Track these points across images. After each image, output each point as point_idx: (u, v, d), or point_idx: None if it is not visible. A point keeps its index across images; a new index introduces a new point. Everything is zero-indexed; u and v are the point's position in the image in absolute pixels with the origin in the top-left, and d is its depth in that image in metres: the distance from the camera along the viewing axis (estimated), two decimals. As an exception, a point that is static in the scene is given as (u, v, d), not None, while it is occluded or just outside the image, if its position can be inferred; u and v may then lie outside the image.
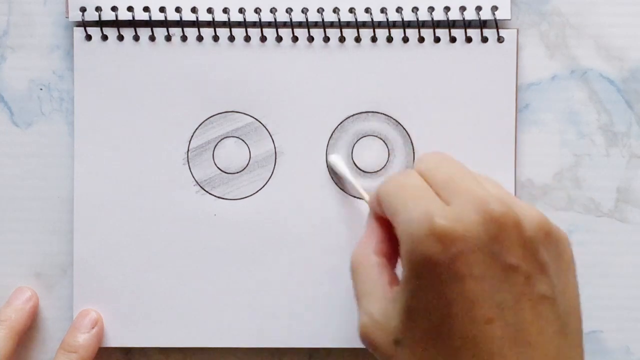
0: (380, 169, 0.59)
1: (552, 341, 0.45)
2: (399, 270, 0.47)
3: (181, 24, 0.58)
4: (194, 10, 0.58)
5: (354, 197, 0.59)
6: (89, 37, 0.58)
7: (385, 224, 0.50)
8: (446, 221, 0.44)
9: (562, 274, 0.46)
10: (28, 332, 0.59)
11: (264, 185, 0.59)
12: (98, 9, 0.58)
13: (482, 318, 0.44)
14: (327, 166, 0.58)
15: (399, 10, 0.58)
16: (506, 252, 0.45)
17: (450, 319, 0.45)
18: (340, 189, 0.59)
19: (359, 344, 0.58)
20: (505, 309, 0.44)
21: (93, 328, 0.58)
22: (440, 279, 0.44)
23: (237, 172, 0.59)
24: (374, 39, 0.58)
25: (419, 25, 0.58)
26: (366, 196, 0.56)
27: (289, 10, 0.58)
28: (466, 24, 0.58)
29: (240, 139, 0.59)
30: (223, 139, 0.59)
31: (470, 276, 0.44)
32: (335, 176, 0.59)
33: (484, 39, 0.58)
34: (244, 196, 0.59)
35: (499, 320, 0.44)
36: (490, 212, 0.45)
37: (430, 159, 0.49)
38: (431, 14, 0.58)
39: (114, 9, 0.58)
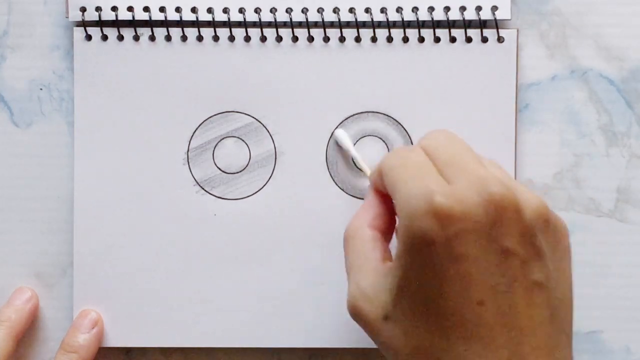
0: (380, 169, 0.59)
1: (542, 328, 0.45)
2: (393, 247, 0.47)
3: (181, 24, 0.58)
4: (194, 10, 0.58)
5: (355, 197, 0.59)
6: (89, 37, 0.58)
7: (384, 199, 0.50)
8: (446, 200, 0.44)
9: (557, 262, 0.47)
10: (28, 332, 0.59)
11: (264, 185, 0.59)
12: (98, 9, 0.58)
13: (475, 299, 0.44)
14: (332, 139, 0.58)
15: (399, 10, 0.58)
16: (503, 236, 0.45)
17: (442, 297, 0.45)
18: (336, 183, 0.59)
19: (359, 344, 0.58)
20: (498, 293, 0.44)
21: (93, 328, 0.58)
22: (435, 257, 0.44)
23: (237, 172, 0.59)
24: (374, 39, 0.58)
25: (419, 25, 0.58)
26: (368, 170, 0.56)
27: (289, 10, 0.58)
28: (466, 24, 0.58)
29: (240, 139, 0.59)
30: (223, 139, 0.59)
31: (466, 257, 0.44)
32: (340, 151, 0.58)
33: (484, 39, 0.58)
34: (244, 196, 0.59)
35: (491, 303, 0.44)
36: (491, 195, 0.45)
37: (436, 137, 0.49)
38: (431, 14, 0.58)
39: (114, 9, 0.58)
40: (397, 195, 0.46)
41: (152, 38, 0.58)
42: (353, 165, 0.59)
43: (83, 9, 0.58)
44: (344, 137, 0.58)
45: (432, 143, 0.48)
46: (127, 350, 0.60)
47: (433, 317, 0.45)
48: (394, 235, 0.50)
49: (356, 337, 0.58)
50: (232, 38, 0.58)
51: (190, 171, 0.58)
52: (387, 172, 0.48)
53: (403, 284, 0.45)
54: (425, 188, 0.45)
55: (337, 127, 0.58)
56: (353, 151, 0.58)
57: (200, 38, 0.58)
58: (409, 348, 0.46)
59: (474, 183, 0.45)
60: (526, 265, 0.45)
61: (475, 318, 0.44)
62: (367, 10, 0.58)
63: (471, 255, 0.44)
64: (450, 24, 0.58)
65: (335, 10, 0.58)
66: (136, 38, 0.58)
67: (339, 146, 0.58)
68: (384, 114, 0.58)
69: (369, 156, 0.58)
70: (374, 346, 0.58)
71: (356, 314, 0.48)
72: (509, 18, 0.58)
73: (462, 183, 0.45)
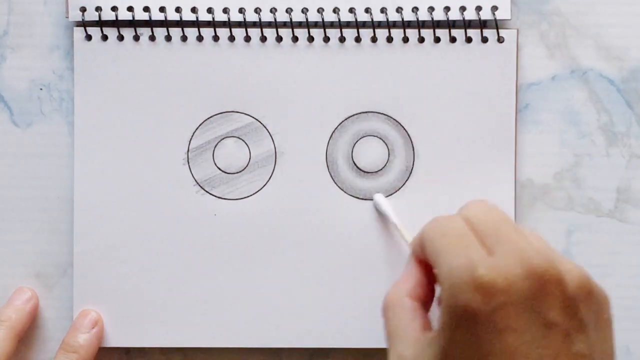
0: (380, 169, 0.59)
1: None
2: (432, 315, 0.48)
3: (181, 24, 0.58)
4: (194, 10, 0.58)
5: (355, 197, 0.59)
6: (89, 37, 0.58)
7: (424, 268, 0.50)
8: (488, 272, 0.44)
9: (600, 333, 0.46)
10: (28, 332, 0.59)
11: (264, 185, 0.59)
12: (98, 9, 0.58)
13: None
14: (373, 205, 0.58)
15: (399, 10, 0.58)
16: (547, 309, 0.44)
17: None
18: (336, 183, 0.59)
19: (359, 344, 0.58)
20: None
21: (93, 328, 0.58)
22: (479, 330, 0.44)
23: (237, 172, 0.59)
24: (374, 39, 0.58)
25: (419, 25, 0.58)
26: (409, 238, 0.56)
27: (289, 10, 0.58)
28: (466, 24, 0.58)
29: (240, 139, 0.59)
30: (223, 139, 0.59)
31: (510, 329, 0.44)
32: (379, 215, 0.59)
33: (484, 39, 0.58)
34: (244, 196, 0.59)
35: None
36: (533, 267, 0.44)
37: (476, 207, 0.49)
38: (431, 14, 0.58)
39: (114, 9, 0.58)
40: (439, 266, 0.46)
41: (152, 38, 0.58)
42: (353, 164, 0.59)
43: (83, 9, 0.58)
44: (384, 203, 0.58)
45: (472, 213, 0.48)
46: (127, 351, 0.60)
47: None
48: (434, 303, 0.50)
49: (356, 337, 0.58)
50: (232, 38, 0.58)
51: (191, 171, 0.58)
52: (428, 241, 0.48)
53: (446, 356, 0.45)
54: (467, 260, 0.45)
55: (375, 194, 0.58)
56: (393, 218, 0.58)
57: (200, 38, 0.58)
58: None
59: (516, 255, 0.45)
60: (569, 337, 0.45)
61: None
62: (367, 10, 0.58)
63: (514, 328, 0.44)
64: (450, 24, 0.58)
65: (335, 11, 0.58)
66: (136, 38, 0.58)
67: (378, 211, 0.58)
68: (384, 114, 0.58)
69: (369, 156, 0.58)
70: (374, 346, 0.58)
71: None
72: (509, 18, 0.58)
73: (504, 255, 0.45)
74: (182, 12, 0.58)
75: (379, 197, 0.58)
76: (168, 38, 0.58)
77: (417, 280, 0.50)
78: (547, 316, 0.44)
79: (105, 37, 0.58)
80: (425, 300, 0.50)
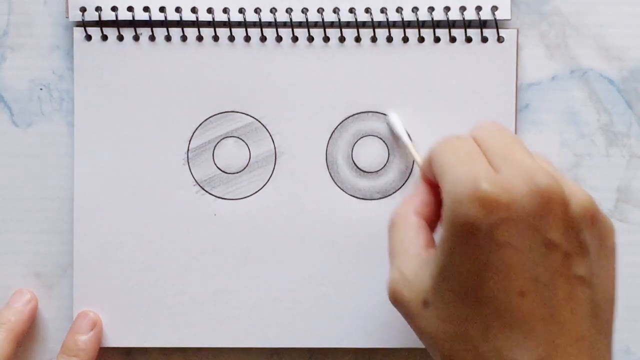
0: (380, 169, 0.59)
1: (582, 323, 0.45)
2: (437, 237, 0.47)
3: (181, 24, 0.58)
4: (194, 10, 0.58)
5: (355, 197, 0.59)
6: (89, 37, 0.58)
7: (433, 189, 0.50)
8: (492, 187, 0.44)
9: (602, 260, 0.46)
10: (28, 333, 0.59)
11: (264, 185, 0.59)
12: (98, 9, 0.58)
13: (516, 289, 0.44)
14: (386, 123, 0.58)
15: (399, 10, 0.58)
16: (548, 228, 0.44)
17: (482, 285, 0.44)
18: (336, 183, 0.59)
19: (359, 344, 0.58)
20: (540, 284, 0.44)
21: (92, 329, 0.58)
22: (479, 244, 0.44)
23: (237, 172, 0.59)
24: (374, 39, 0.58)
25: (419, 25, 0.58)
26: (419, 159, 0.56)
27: (289, 10, 0.58)
28: (466, 24, 0.58)
29: (240, 139, 0.59)
30: (223, 139, 0.59)
31: (510, 245, 0.44)
32: (393, 135, 0.58)
33: (484, 39, 0.58)
34: (244, 196, 0.59)
35: (532, 295, 0.44)
36: (538, 185, 0.44)
37: (487, 127, 0.49)
38: (431, 14, 0.58)
39: (114, 9, 0.58)
40: (444, 180, 0.46)
41: (152, 38, 0.58)
42: (353, 165, 0.59)
43: (83, 9, 0.58)
44: (398, 122, 0.58)
45: (482, 133, 0.48)
46: (128, 351, 0.60)
47: (473, 304, 0.45)
48: (439, 224, 0.50)
49: (356, 337, 0.58)
50: (232, 38, 0.58)
51: (190, 171, 0.58)
52: (436, 158, 0.48)
53: (444, 270, 0.45)
54: (473, 174, 0.45)
55: (391, 113, 0.58)
56: (405, 138, 0.58)
57: (200, 38, 0.58)
58: (446, 335, 0.46)
59: (522, 173, 0.45)
60: (569, 259, 0.45)
61: (515, 308, 0.44)
62: (367, 10, 0.58)
63: (514, 245, 0.44)
64: (450, 24, 0.58)
65: (335, 11, 0.58)
66: (136, 38, 0.58)
67: (392, 130, 0.58)
68: (384, 114, 0.58)
69: (369, 156, 0.58)
70: (374, 346, 0.58)
71: (396, 299, 0.48)
72: (509, 18, 0.58)
73: (509, 172, 0.45)
74: (182, 12, 0.58)
75: (393, 117, 0.58)
76: (168, 38, 0.58)
77: (424, 199, 0.50)
78: (548, 236, 0.45)
79: (105, 37, 0.58)
80: (432, 220, 0.50)
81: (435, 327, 0.46)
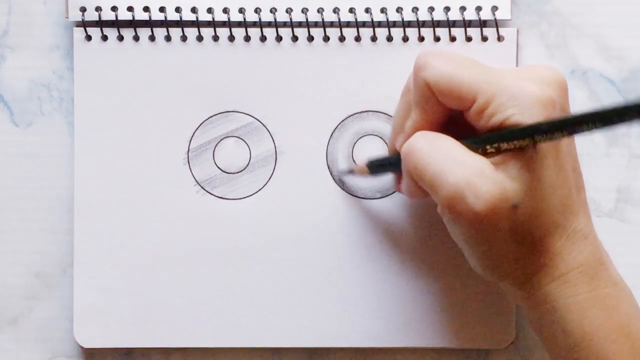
0: (381, 169, 0.59)
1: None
2: None
3: (181, 24, 0.58)
4: (194, 10, 0.58)
5: (355, 197, 0.59)
6: (89, 37, 0.58)
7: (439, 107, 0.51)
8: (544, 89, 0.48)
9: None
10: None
11: (264, 185, 0.59)
12: (98, 9, 0.58)
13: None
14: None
15: (399, 10, 0.58)
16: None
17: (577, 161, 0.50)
18: (336, 183, 0.59)
19: (359, 344, 0.58)
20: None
21: None
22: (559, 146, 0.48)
23: (238, 172, 0.59)
24: (374, 39, 0.58)
25: (419, 25, 0.58)
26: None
27: (289, 10, 0.58)
28: (466, 24, 0.58)
29: (241, 138, 0.59)
30: (223, 138, 0.59)
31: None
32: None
33: (484, 38, 0.58)
34: (245, 196, 0.59)
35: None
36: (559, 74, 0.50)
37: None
38: (431, 14, 0.58)
39: (114, 9, 0.58)
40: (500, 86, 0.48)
41: (152, 38, 0.58)
42: (354, 164, 0.59)
43: (83, 9, 0.58)
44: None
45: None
46: (128, 351, 0.60)
47: (562, 205, 0.49)
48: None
49: (356, 337, 0.58)
50: (232, 38, 0.58)
51: (191, 171, 0.58)
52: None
53: (534, 163, 0.48)
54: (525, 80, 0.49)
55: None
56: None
57: (200, 38, 0.58)
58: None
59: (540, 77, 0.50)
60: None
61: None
62: (367, 10, 0.58)
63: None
64: (450, 24, 0.58)
65: (335, 10, 0.58)
66: (136, 38, 0.58)
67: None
68: (384, 114, 0.58)
69: (368, 155, 0.58)
70: (374, 346, 0.58)
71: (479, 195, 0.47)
72: (509, 18, 0.58)
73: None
74: (182, 12, 0.58)
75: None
76: (168, 38, 0.58)
77: (430, 119, 0.51)
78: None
79: (105, 37, 0.58)
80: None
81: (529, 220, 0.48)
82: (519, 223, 0.48)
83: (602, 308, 0.49)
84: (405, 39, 0.58)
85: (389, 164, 0.55)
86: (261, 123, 0.58)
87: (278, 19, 0.58)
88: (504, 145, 0.47)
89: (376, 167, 0.55)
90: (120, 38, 0.58)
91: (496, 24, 0.58)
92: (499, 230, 0.48)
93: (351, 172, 0.57)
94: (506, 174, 0.47)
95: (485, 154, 0.48)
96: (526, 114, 0.47)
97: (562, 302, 0.49)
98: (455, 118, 0.51)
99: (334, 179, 0.59)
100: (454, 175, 0.47)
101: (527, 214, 0.48)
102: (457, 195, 0.47)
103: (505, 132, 0.47)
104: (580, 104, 0.59)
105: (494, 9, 0.58)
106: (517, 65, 0.58)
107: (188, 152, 0.58)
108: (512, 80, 0.48)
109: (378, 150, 0.59)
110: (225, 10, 0.58)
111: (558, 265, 0.49)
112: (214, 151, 0.59)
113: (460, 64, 0.49)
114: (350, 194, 0.59)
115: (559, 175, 0.48)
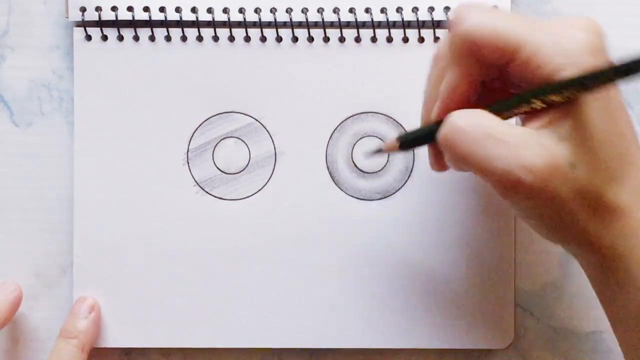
0: (380, 170, 0.59)
1: None
2: None
3: (181, 24, 0.58)
4: (194, 10, 0.58)
5: (355, 197, 0.59)
6: (89, 37, 0.58)
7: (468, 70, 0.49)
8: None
9: None
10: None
11: (264, 186, 0.59)
12: (98, 9, 0.58)
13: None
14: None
15: (399, 10, 0.58)
16: None
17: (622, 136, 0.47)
18: (335, 183, 0.59)
19: (359, 344, 0.58)
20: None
21: (90, 313, 0.58)
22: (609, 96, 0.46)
23: (237, 173, 0.59)
24: (374, 39, 0.58)
25: (419, 25, 0.58)
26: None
27: (289, 11, 0.58)
28: (466, 24, 0.58)
29: (240, 139, 0.59)
30: (223, 139, 0.59)
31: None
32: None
33: (484, 39, 0.58)
34: (244, 196, 0.59)
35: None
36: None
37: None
38: (431, 14, 0.58)
39: (114, 9, 0.58)
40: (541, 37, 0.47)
41: (152, 38, 0.58)
42: (353, 165, 0.59)
43: (83, 9, 0.58)
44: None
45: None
46: (127, 351, 0.60)
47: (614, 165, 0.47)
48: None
49: (356, 337, 0.58)
50: (232, 38, 0.58)
51: (190, 171, 0.58)
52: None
53: (586, 127, 0.46)
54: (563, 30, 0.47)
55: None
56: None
57: (200, 38, 0.58)
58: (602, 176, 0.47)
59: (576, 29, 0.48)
60: None
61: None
62: (367, 10, 0.58)
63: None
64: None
65: (336, 11, 0.58)
66: (136, 38, 0.58)
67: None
68: (384, 114, 0.58)
69: (368, 157, 0.58)
70: (374, 346, 0.58)
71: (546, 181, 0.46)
72: (509, 18, 0.58)
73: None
74: (182, 12, 0.58)
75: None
76: (168, 38, 0.58)
77: (472, 91, 0.49)
78: None
79: (105, 37, 0.58)
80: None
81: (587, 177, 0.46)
82: (580, 182, 0.46)
83: None
84: (405, 39, 0.58)
85: (423, 136, 0.51)
86: (261, 124, 0.58)
87: (278, 19, 0.58)
88: (555, 99, 0.45)
89: (409, 141, 0.52)
90: (120, 38, 0.58)
91: (496, 24, 0.58)
92: (561, 196, 0.46)
93: (379, 151, 0.54)
94: (555, 135, 0.46)
95: (530, 114, 0.46)
96: (575, 64, 0.45)
97: (636, 260, 0.47)
98: (488, 84, 0.49)
99: (333, 179, 0.59)
100: (501, 157, 0.45)
101: (586, 171, 0.46)
102: (509, 177, 0.45)
103: (554, 85, 0.45)
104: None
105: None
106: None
107: (187, 152, 0.58)
108: (557, 28, 0.46)
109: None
110: (225, 11, 0.58)
111: (628, 221, 0.47)
112: (213, 152, 0.59)
113: (500, 14, 0.47)
114: (350, 195, 0.59)
115: (611, 127, 0.46)
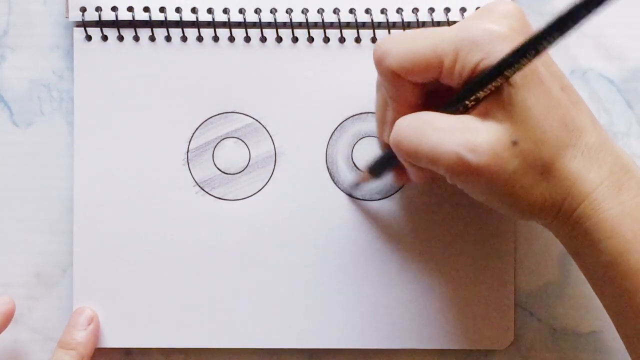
0: (380, 170, 0.59)
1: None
2: None
3: (181, 24, 0.58)
4: (194, 10, 0.58)
5: (355, 198, 0.59)
6: (89, 37, 0.58)
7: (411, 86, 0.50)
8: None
9: None
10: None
11: (264, 186, 0.59)
12: (98, 9, 0.58)
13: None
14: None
15: (399, 11, 0.58)
16: None
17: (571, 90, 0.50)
18: (335, 183, 0.59)
19: (359, 344, 0.58)
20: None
21: (89, 325, 0.58)
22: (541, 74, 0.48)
23: (237, 173, 0.59)
24: (374, 40, 0.58)
25: (419, 26, 0.58)
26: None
27: (289, 11, 0.58)
28: (466, 25, 0.58)
29: (240, 139, 0.59)
30: (223, 139, 0.59)
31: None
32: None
33: (484, 40, 0.58)
34: (244, 197, 0.59)
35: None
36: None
37: None
38: (431, 15, 0.58)
39: (114, 9, 0.58)
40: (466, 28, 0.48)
41: (152, 38, 0.58)
42: (353, 165, 0.59)
43: (83, 9, 0.58)
44: None
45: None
46: (128, 351, 0.60)
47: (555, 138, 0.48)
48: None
49: (356, 337, 0.58)
50: (232, 38, 0.58)
51: (190, 172, 0.58)
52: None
53: (521, 104, 0.47)
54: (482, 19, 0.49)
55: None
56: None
57: (200, 38, 0.58)
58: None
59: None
60: None
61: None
62: (368, 11, 0.58)
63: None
64: (450, 25, 0.58)
65: (336, 11, 0.58)
66: (136, 38, 0.58)
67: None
68: (384, 115, 0.58)
69: (367, 157, 0.58)
70: (374, 346, 0.58)
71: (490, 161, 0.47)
72: (509, 18, 0.58)
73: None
74: (182, 13, 0.58)
75: None
76: (168, 38, 0.58)
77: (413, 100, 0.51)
78: None
79: (105, 38, 0.58)
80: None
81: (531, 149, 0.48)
82: (526, 157, 0.47)
83: (635, 220, 0.47)
84: (405, 40, 0.58)
85: (387, 160, 0.55)
86: (261, 124, 0.58)
87: (278, 20, 0.58)
88: (481, 94, 0.47)
89: (377, 169, 0.55)
90: (121, 38, 0.58)
91: (496, 24, 0.58)
92: (511, 172, 0.47)
93: (358, 184, 0.58)
94: (494, 120, 0.47)
95: (467, 110, 0.48)
96: (492, 54, 0.47)
97: (593, 221, 0.48)
98: (433, 93, 0.51)
99: (333, 179, 0.59)
100: (445, 143, 0.47)
101: (531, 145, 0.47)
102: (457, 160, 0.47)
103: (475, 81, 0.47)
104: (580, 105, 0.59)
105: (494, 9, 0.58)
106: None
107: (187, 152, 0.58)
108: (467, 27, 0.48)
109: (377, 151, 0.58)
110: (226, 11, 0.58)
111: (581, 185, 0.48)
112: (213, 152, 0.59)
113: (414, 37, 0.49)
114: (350, 196, 0.59)
115: (547, 98, 0.47)
